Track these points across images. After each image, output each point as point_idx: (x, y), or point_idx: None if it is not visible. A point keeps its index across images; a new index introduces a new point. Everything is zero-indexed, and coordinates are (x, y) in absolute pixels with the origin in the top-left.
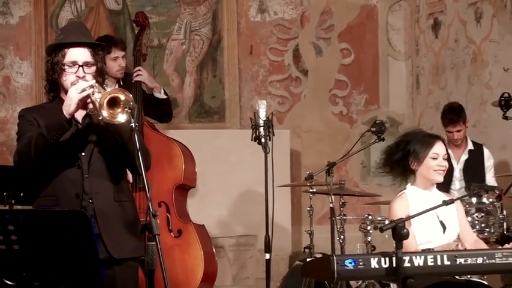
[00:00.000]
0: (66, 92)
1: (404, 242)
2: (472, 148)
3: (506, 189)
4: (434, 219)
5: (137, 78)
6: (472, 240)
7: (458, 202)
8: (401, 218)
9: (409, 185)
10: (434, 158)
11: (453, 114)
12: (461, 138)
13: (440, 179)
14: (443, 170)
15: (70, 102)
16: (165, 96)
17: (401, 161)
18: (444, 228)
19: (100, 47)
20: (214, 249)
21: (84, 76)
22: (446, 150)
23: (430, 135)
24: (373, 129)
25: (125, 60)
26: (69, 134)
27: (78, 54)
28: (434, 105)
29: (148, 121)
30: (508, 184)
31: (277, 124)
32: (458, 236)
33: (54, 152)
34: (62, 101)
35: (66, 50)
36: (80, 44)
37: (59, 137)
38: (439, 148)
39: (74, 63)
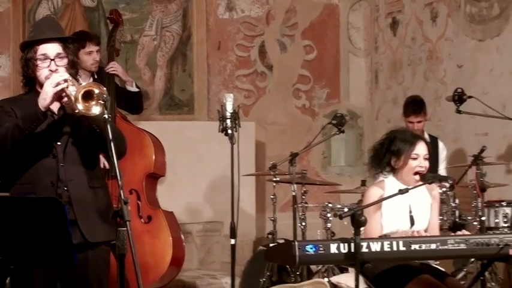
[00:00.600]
0: (41, 85)
1: (370, 229)
2: (428, 140)
3: (458, 179)
4: (405, 213)
5: (112, 72)
6: None
7: (435, 199)
8: (359, 206)
9: (390, 176)
10: (414, 159)
11: (416, 105)
12: (420, 129)
13: (416, 180)
14: (423, 171)
15: (45, 96)
16: (137, 89)
17: (384, 159)
18: (412, 222)
19: (70, 40)
20: (182, 235)
21: (57, 69)
22: (428, 149)
23: (413, 135)
24: (334, 121)
25: (99, 55)
26: (45, 124)
27: (50, 49)
28: (392, 99)
29: (121, 113)
30: (460, 174)
31: (243, 116)
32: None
33: (30, 142)
34: (38, 93)
35: (37, 46)
36: (51, 39)
37: (34, 129)
38: (420, 148)
39: (46, 57)
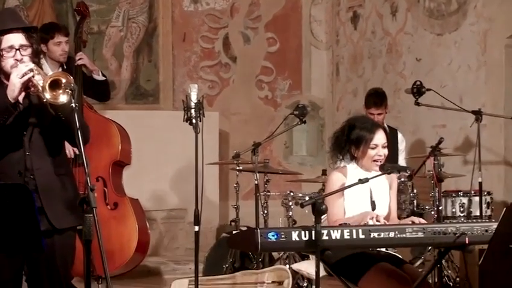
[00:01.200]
0: (6, 75)
1: (333, 213)
2: (388, 132)
3: (416, 170)
4: (366, 198)
5: (79, 62)
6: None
7: (394, 185)
8: (320, 195)
9: (352, 162)
10: (373, 148)
11: (377, 98)
12: (380, 121)
13: (376, 168)
14: (381, 160)
15: (13, 88)
16: (103, 78)
17: (344, 147)
18: (374, 208)
19: (33, 29)
20: (147, 222)
21: (22, 58)
22: (387, 136)
23: (372, 124)
24: (296, 112)
25: (67, 45)
26: (13, 116)
27: (14, 39)
28: (352, 91)
29: (88, 102)
30: (418, 165)
31: (207, 106)
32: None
33: None
34: (4, 85)
35: (1, 37)
36: (14, 29)
37: (6, 121)
38: (379, 138)
39: (11, 47)
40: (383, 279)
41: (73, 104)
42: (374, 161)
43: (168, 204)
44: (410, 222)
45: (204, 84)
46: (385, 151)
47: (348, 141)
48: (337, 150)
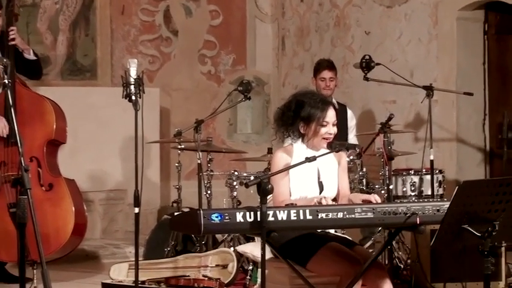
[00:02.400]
0: None
1: (278, 194)
2: (336, 107)
3: (366, 148)
4: (313, 179)
5: (11, 42)
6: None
7: (343, 163)
8: (266, 174)
9: (299, 141)
10: (324, 126)
11: (329, 62)
12: (332, 88)
13: (325, 146)
14: (331, 138)
15: None
16: (34, 58)
17: (292, 124)
18: (322, 188)
19: None
20: (84, 204)
21: None
22: (336, 114)
23: (322, 101)
24: (240, 88)
25: (0, 19)
26: None
27: None
28: (299, 66)
29: (20, 78)
30: (367, 142)
31: (147, 82)
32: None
33: None
34: None
35: None
36: None
37: None
38: (329, 115)
39: None
40: (333, 261)
41: (6, 80)
42: (324, 139)
43: (106, 185)
44: (373, 200)
45: (144, 59)
46: (335, 129)
47: (296, 118)
48: (283, 127)
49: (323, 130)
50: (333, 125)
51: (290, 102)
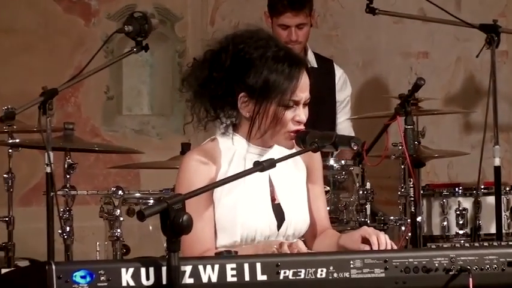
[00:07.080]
0: None
1: (191, 240)
2: (315, 66)
3: (371, 143)
4: (265, 204)
5: None
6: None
7: (317, 172)
8: (179, 195)
9: (231, 133)
10: (289, 107)
11: None
12: (302, 41)
13: (289, 145)
14: (302, 127)
15: None
16: None
17: (221, 96)
18: (281, 218)
19: None
20: None
21: None
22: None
23: (290, 57)
24: (128, 28)
25: None
26: None
27: None
28: None
29: None
30: (375, 133)
31: None
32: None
33: None
34: None
35: None
36: None
37: None
38: (302, 87)
39: None
40: None
41: None
42: (288, 132)
43: None
44: (384, 241)
45: None
46: (306, 112)
47: (233, 85)
48: (208, 103)
49: (288, 115)
50: (305, 104)
51: (223, 51)
